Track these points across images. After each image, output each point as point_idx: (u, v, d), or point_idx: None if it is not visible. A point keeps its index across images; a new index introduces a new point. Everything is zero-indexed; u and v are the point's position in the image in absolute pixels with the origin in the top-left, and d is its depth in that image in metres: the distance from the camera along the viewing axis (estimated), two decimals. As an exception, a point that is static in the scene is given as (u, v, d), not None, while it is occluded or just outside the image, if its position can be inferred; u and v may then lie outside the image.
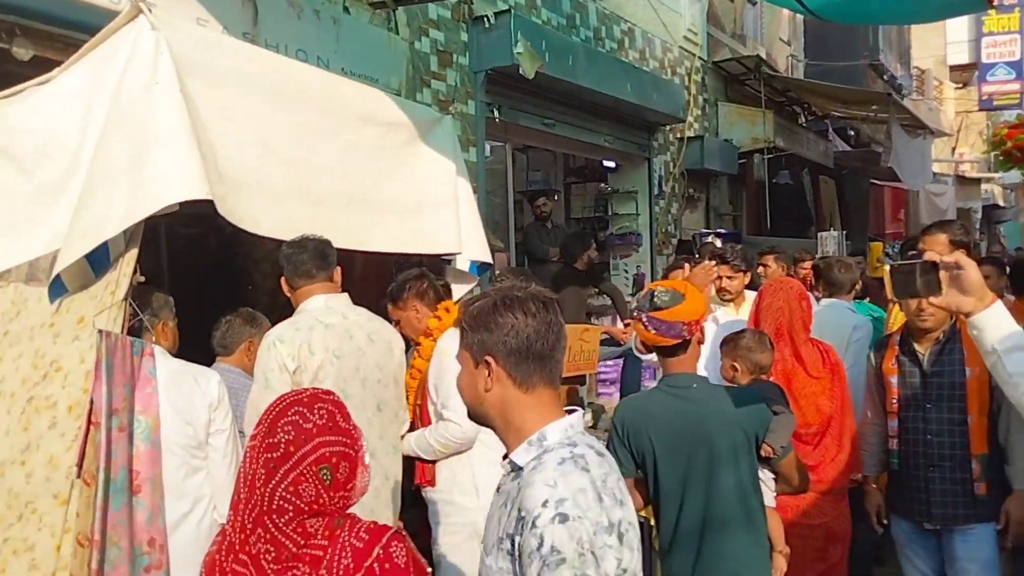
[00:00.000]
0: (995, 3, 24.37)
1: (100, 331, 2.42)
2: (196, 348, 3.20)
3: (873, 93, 12.23)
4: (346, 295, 3.02)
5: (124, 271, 2.46)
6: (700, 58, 10.13)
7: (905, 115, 12.27)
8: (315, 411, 1.60)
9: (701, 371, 2.83)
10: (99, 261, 2.48)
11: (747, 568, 2.49)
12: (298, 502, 1.54)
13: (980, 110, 28.09)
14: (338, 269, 3.00)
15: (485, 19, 6.01)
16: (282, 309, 4.66)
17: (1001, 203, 32.71)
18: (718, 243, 7.11)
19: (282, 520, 1.54)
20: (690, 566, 2.47)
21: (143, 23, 2.59)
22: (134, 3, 2.63)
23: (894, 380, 3.17)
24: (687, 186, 9.77)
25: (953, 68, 27.93)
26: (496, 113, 6.28)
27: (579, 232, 7.69)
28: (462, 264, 4.15)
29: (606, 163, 9.09)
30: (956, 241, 3.23)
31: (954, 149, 27.22)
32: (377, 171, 3.60)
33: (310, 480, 1.55)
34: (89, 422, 2.36)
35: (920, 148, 13.05)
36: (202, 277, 4.76)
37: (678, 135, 9.52)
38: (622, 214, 9.00)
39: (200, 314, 3.64)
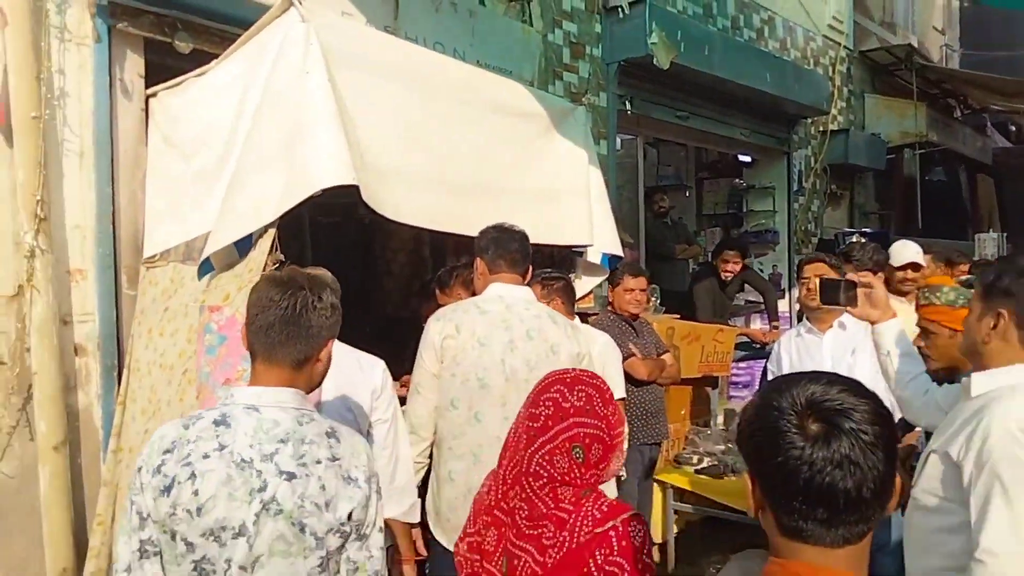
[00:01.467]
0: None
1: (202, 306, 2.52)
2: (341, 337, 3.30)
3: (1039, 83, 11.24)
4: (527, 289, 2.92)
5: (262, 249, 2.55)
6: (846, 47, 9.61)
7: (1078, 107, 11.22)
8: (575, 392, 1.72)
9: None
10: (243, 242, 2.59)
11: None
12: (552, 471, 1.68)
13: None
14: (530, 266, 2.96)
15: (619, 9, 5.91)
16: (416, 297, 4.77)
17: None
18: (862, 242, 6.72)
19: (537, 484, 1.68)
20: None
21: (294, 15, 2.69)
22: (286, -3, 2.73)
23: None
24: (829, 182, 9.30)
25: None
26: (628, 105, 6.16)
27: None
28: (593, 256, 4.11)
29: (741, 157, 8.78)
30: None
31: None
32: (513, 161, 3.61)
33: (563, 455, 1.68)
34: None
35: (1094, 143, 11.91)
36: (342, 265, 4.92)
37: (820, 128, 9.07)
38: (758, 211, 8.67)
39: (343, 302, 3.76)
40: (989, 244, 9.60)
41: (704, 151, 9.20)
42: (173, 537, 1.57)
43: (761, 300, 6.96)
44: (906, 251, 4.38)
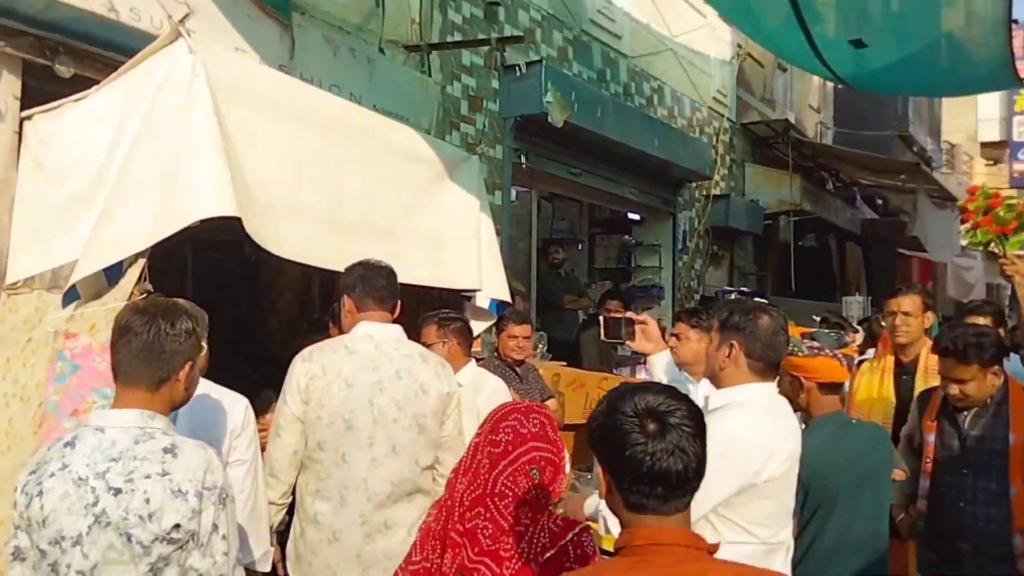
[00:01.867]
0: (1027, 81, 24.43)
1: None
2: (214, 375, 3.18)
3: (902, 162, 12.22)
4: (398, 327, 2.85)
5: (130, 278, 2.47)
6: (729, 119, 10.22)
7: (934, 186, 12.23)
8: (530, 419, 1.94)
9: None
10: (113, 270, 2.50)
11: None
12: (515, 490, 1.88)
13: (1011, 187, 27.99)
14: (398, 301, 2.89)
15: (517, 68, 6.11)
16: (302, 336, 4.68)
17: (1031, 280, 32.24)
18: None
19: (502, 503, 1.87)
20: None
21: (181, 46, 2.67)
22: (174, 27, 2.70)
23: (931, 438, 3.05)
24: (712, 243, 9.77)
25: (984, 145, 27.88)
26: (523, 159, 6.34)
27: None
28: (481, 301, 4.16)
29: (631, 215, 9.13)
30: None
31: (983, 224, 26.99)
32: (404, 204, 3.64)
33: (524, 476, 1.88)
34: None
35: (947, 220, 12.96)
36: (224, 301, 4.80)
37: (704, 192, 9.56)
38: (645, 266, 9.00)
39: (221, 339, 3.66)
40: (855, 306, 10.26)
41: (597, 207, 9.50)
42: (31, 544, 1.80)
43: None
44: None
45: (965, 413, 2.96)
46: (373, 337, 2.76)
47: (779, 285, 11.27)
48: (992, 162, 29.20)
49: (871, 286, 13.74)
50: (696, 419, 1.41)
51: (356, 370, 2.68)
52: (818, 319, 5.31)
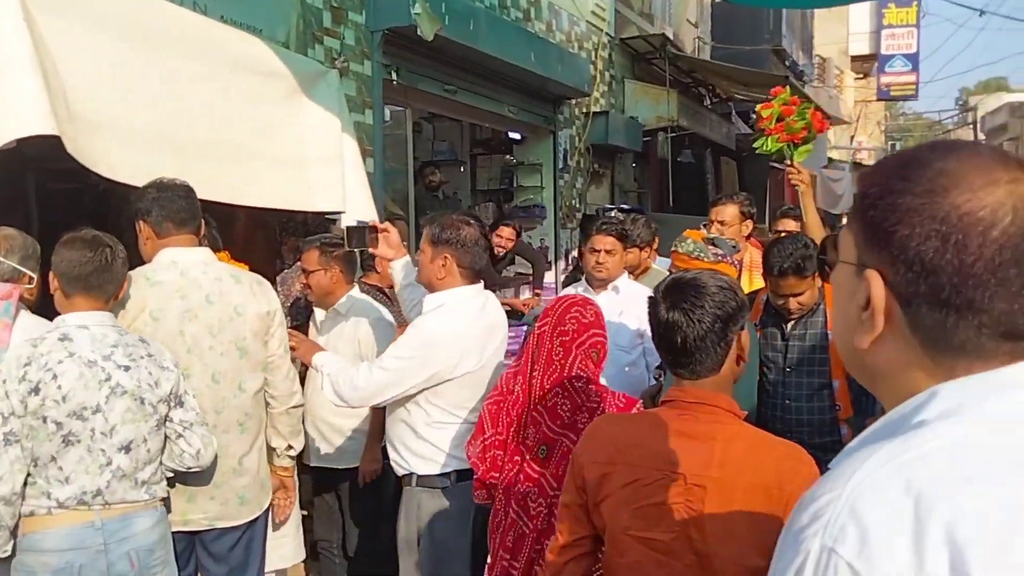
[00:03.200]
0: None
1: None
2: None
3: (773, 76, 12.53)
4: (205, 250, 2.71)
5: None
6: (607, 34, 10.18)
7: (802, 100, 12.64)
8: (587, 311, 2.29)
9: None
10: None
11: None
12: (584, 371, 2.23)
13: (878, 100, 29.37)
14: (202, 221, 2.72)
15: (383, -23, 5.84)
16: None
17: (894, 190, 34.22)
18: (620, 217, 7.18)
19: (578, 384, 2.22)
20: None
21: (-18, -54, 2.40)
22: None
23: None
24: (592, 161, 9.84)
25: (854, 58, 29.00)
26: (394, 75, 6.13)
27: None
28: (347, 223, 4.06)
29: (512, 135, 9.06)
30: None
31: (852, 137, 28.35)
32: (254, 121, 3.47)
33: (588, 358, 2.24)
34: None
35: (815, 132, 13.50)
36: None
37: (584, 110, 9.56)
38: (527, 186, 8.99)
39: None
40: (729, 219, 10.62)
41: (479, 127, 9.38)
42: (44, 421, 2.19)
43: (530, 271, 7.24)
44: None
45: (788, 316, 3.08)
46: (177, 264, 2.59)
47: (658, 201, 11.53)
48: (862, 75, 30.48)
49: (774, 214, 14.23)
50: (699, 300, 1.65)
51: (161, 301, 2.54)
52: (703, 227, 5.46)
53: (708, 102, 13.23)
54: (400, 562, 2.79)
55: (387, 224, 3.09)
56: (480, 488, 2.40)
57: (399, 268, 3.04)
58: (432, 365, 2.55)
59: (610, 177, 10.50)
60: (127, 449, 2.29)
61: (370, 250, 3.03)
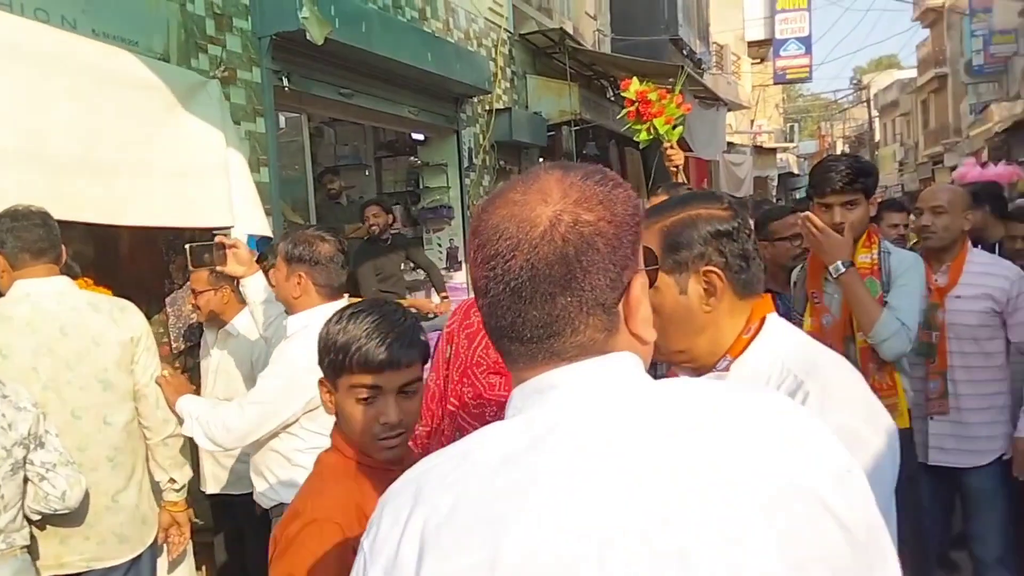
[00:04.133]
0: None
1: None
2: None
3: (668, 66, 12.80)
4: (63, 279, 2.57)
5: None
6: (506, 30, 10.19)
7: (699, 87, 12.96)
8: None
9: None
10: None
11: None
12: (487, 360, 2.29)
13: (775, 83, 30.37)
14: (63, 249, 2.59)
15: (267, -19, 5.69)
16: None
17: (795, 171, 35.63)
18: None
19: (480, 371, 2.29)
20: None
21: None
22: None
23: None
24: (498, 158, 9.85)
25: (751, 44, 29.89)
26: (286, 81, 5.98)
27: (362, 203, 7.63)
28: (238, 237, 3.94)
29: (415, 136, 8.99)
30: None
31: (752, 121, 29.25)
32: (127, 136, 3.33)
33: (492, 348, 2.06)
34: None
35: (712, 120, 13.85)
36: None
37: (487, 107, 9.56)
38: (433, 187, 8.93)
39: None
40: (636, 209, 10.78)
41: (381, 130, 9.27)
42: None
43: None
44: None
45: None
46: (31, 296, 2.47)
47: (567, 193, 11.61)
48: (759, 60, 31.46)
49: (652, 190, 14.53)
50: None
51: (10, 338, 2.42)
52: None
53: (611, 94, 13.42)
54: None
55: (235, 239, 2.99)
56: None
57: (251, 285, 2.93)
58: (306, 391, 2.42)
59: (517, 173, 10.51)
60: None
61: (218, 268, 2.88)
